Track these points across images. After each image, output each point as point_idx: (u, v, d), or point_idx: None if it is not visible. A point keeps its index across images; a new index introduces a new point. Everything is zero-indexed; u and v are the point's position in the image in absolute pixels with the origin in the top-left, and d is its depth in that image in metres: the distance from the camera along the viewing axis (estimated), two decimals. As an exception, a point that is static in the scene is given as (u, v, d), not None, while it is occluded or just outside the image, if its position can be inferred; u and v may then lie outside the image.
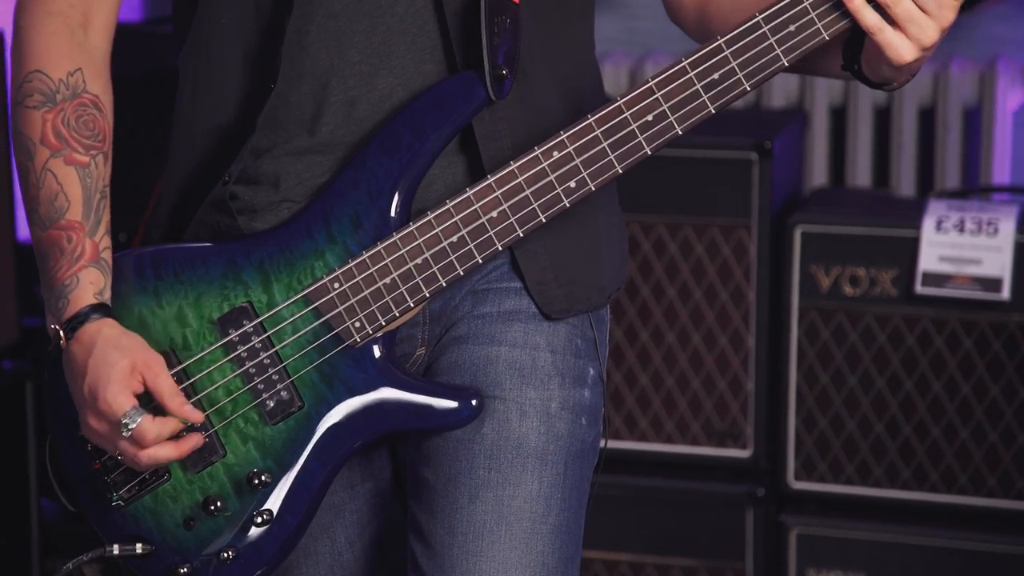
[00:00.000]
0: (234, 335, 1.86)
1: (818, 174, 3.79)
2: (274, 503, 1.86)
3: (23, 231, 3.54)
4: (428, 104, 1.83)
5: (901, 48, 1.75)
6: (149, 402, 1.82)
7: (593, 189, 1.82)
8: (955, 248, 3.15)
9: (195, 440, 1.84)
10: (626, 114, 1.80)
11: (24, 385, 3.37)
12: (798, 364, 3.25)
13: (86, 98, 1.88)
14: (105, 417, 1.81)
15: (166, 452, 1.82)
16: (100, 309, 1.85)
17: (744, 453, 3.31)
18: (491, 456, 1.87)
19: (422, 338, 1.92)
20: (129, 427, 1.79)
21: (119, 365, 1.80)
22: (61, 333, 1.84)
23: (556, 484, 1.88)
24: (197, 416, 1.83)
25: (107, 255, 1.87)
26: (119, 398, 1.80)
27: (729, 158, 3.25)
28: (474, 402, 1.86)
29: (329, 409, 1.85)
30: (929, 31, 1.75)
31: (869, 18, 1.75)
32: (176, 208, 1.93)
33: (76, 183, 1.86)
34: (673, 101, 1.79)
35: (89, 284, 1.85)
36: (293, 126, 1.86)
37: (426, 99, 1.83)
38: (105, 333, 1.83)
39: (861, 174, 3.77)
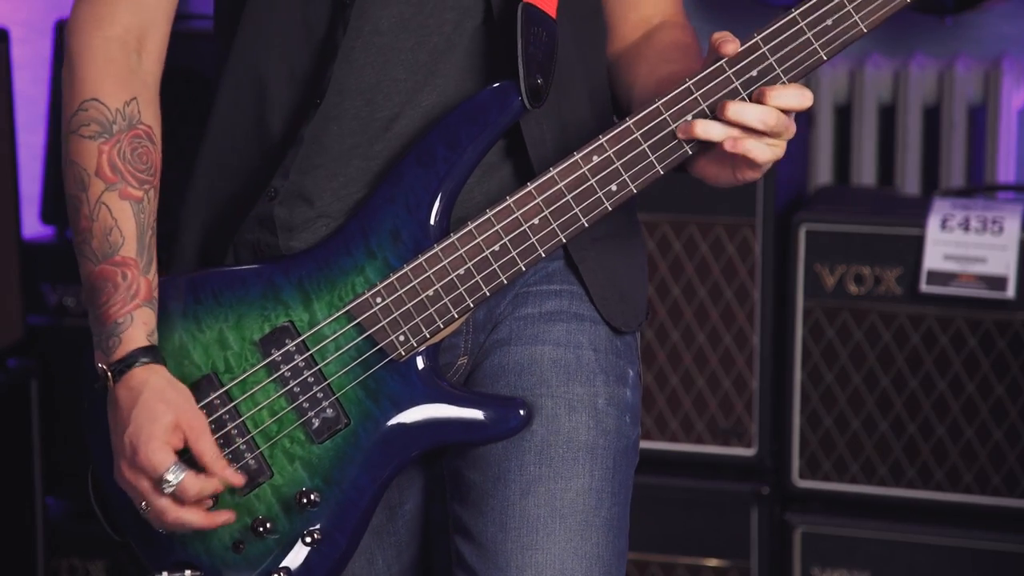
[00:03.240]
0: (276, 355, 1.84)
1: (823, 172, 3.79)
2: (323, 522, 1.84)
3: (28, 229, 3.54)
4: (463, 116, 1.83)
5: (762, 154, 1.80)
6: (184, 458, 1.81)
7: (635, 191, 1.81)
8: (960, 247, 3.15)
9: (226, 516, 1.82)
10: (665, 115, 1.80)
11: (29, 383, 3.37)
12: (803, 363, 3.25)
13: (141, 129, 1.85)
14: (143, 472, 1.78)
15: (196, 518, 1.80)
16: (150, 352, 1.82)
17: (749, 452, 3.30)
18: (541, 452, 1.86)
19: (465, 347, 1.91)
20: (172, 484, 1.77)
21: (162, 421, 1.78)
22: (109, 375, 1.82)
23: (607, 478, 1.88)
24: (239, 480, 1.81)
25: (156, 293, 1.85)
26: (159, 454, 1.77)
27: (734, 156, 3.25)
28: (522, 412, 1.85)
29: (376, 425, 1.84)
30: (779, 149, 1.82)
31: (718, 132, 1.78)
32: (212, 223, 1.92)
33: (131, 218, 1.83)
34: (712, 101, 1.79)
35: (142, 324, 1.82)
36: (332, 142, 1.86)
37: (461, 111, 1.83)
38: (152, 383, 1.80)
39: (866, 173, 3.76)
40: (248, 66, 1.88)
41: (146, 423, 1.78)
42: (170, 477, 1.77)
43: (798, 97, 1.79)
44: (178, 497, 1.78)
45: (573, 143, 1.85)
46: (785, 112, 1.79)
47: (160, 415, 1.78)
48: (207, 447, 1.79)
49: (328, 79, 1.83)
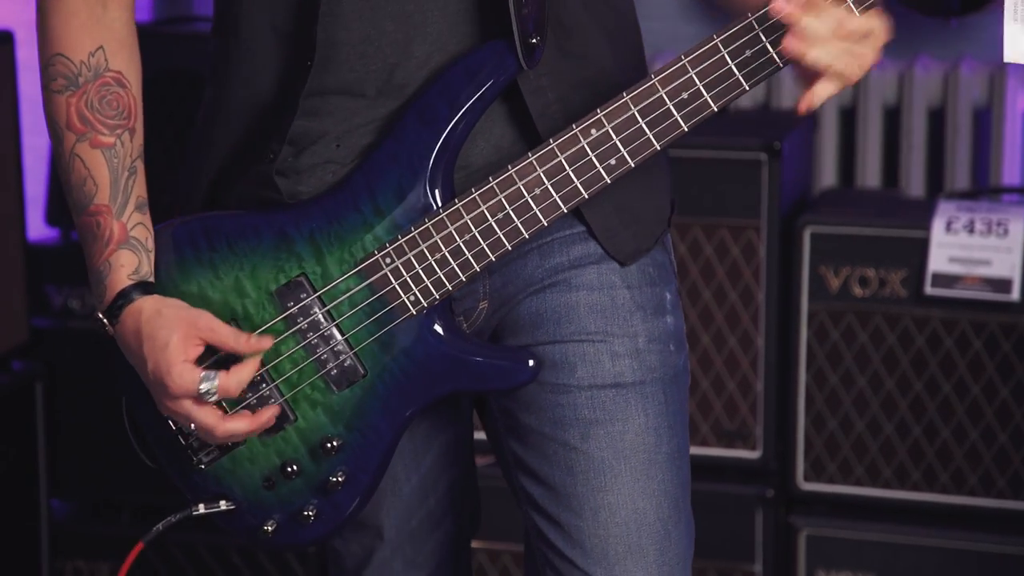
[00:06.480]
0: (293, 308, 1.89)
1: (827, 175, 3.79)
2: (347, 465, 1.91)
3: (33, 231, 3.54)
4: (462, 74, 1.85)
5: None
6: (208, 357, 1.86)
7: (633, 166, 1.84)
8: (965, 249, 3.15)
9: (271, 411, 1.88)
10: (661, 92, 1.82)
11: (34, 385, 3.38)
12: (807, 365, 3.25)
13: (109, 76, 1.89)
14: (181, 396, 1.83)
15: (243, 425, 1.86)
16: (138, 288, 1.87)
17: (753, 454, 3.30)
18: (592, 397, 1.92)
19: (483, 292, 1.95)
20: (212, 391, 1.83)
21: (171, 342, 1.83)
22: (106, 322, 1.87)
23: (661, 414, 1.94)
24: (267, 343, 1.86)
25: (138, 232, 1.89)
26: (184, 375, 1.82)
27: (738, 159, 3.25)
28: (531, 363, 1.90)
29: (392, 376, 1.90)
30: (857, 69, 1.80)
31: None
32: (212, 183, 1.95)
33: (103, 165, 1.88)
34: (708, 79, 1.81)
35: (120, 267, 1.87)
36: (332, 93, 1.88)
37: (460, 69, 1.85)
38: (146, 313, 1.85)
39: (870, 175, 3.76)
40: (234, 26, 1.91)
41: (160, 353, 1.83)
42: (206, 387, 1.83)
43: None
44: (223, 403, 1.85)
45: (584, 80, 1.88)
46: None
47: (166, 339, 1.83)
48: (222, 332, 1.84)
49: (313, 38, 1.85)
